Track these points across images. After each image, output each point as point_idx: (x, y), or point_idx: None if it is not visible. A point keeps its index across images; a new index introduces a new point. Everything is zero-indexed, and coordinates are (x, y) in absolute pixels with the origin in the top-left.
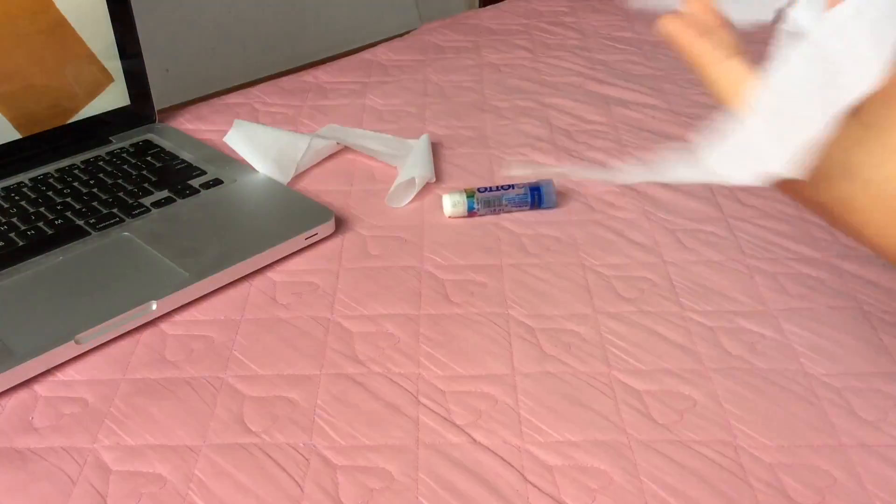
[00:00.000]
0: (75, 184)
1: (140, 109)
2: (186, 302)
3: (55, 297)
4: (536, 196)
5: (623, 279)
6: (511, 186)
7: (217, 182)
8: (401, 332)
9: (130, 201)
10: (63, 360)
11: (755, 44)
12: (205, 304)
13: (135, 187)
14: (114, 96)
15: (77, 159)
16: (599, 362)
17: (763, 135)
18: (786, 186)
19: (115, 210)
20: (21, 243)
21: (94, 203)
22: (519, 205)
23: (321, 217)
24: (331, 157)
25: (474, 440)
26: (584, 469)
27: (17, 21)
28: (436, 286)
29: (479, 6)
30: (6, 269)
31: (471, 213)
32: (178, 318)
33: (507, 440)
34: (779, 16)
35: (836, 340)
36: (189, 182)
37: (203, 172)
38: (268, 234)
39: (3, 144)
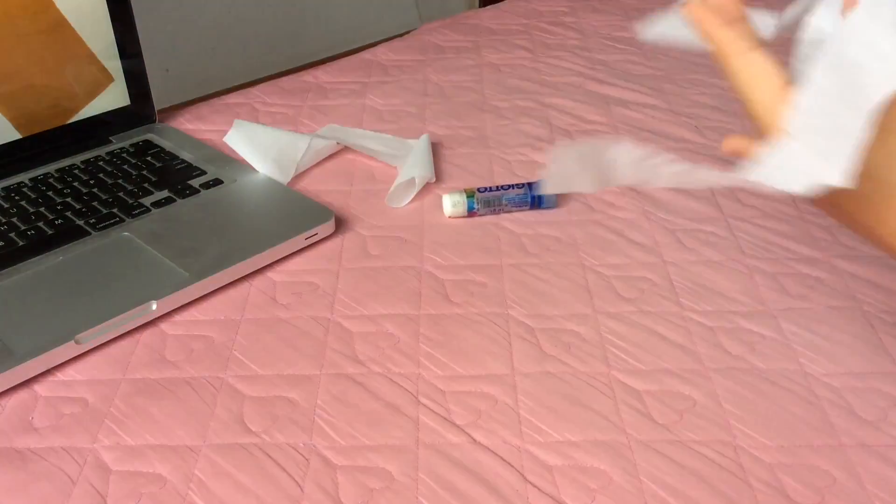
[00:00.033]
0: (75, 184)
1: (140, 109)
2: (186, 302)
3: (55, 297)
4: (536, 196)
5: (623, 279)
6: (511, 186)
7: (217, 182)
8: (401, 332)
9: (130, 201)
10: (63, 360)
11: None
12: (205, 304)
13: (135, 187)
14: (114, 96)
15: (77, 159)
16: (599, 362)
17: (808, 150)
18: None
19: (115, 210)
20: (21, 243)
21: (94, 203)
22: (519, 205)
23: (321, 217)
24: (331, 157)
25: (474, 440)
26: (584, 469)
27: (17, 21)
28: (436, 286)
29: (479, 6)
30: (6, 269)
31: (471, 213)
32: (178, 318)
33: (507, 440)
34: (799, 24)
35: (836, 340)
36: (189, 182)
37: (203, 172)
38: (268, 234)
39: (3, 144)
